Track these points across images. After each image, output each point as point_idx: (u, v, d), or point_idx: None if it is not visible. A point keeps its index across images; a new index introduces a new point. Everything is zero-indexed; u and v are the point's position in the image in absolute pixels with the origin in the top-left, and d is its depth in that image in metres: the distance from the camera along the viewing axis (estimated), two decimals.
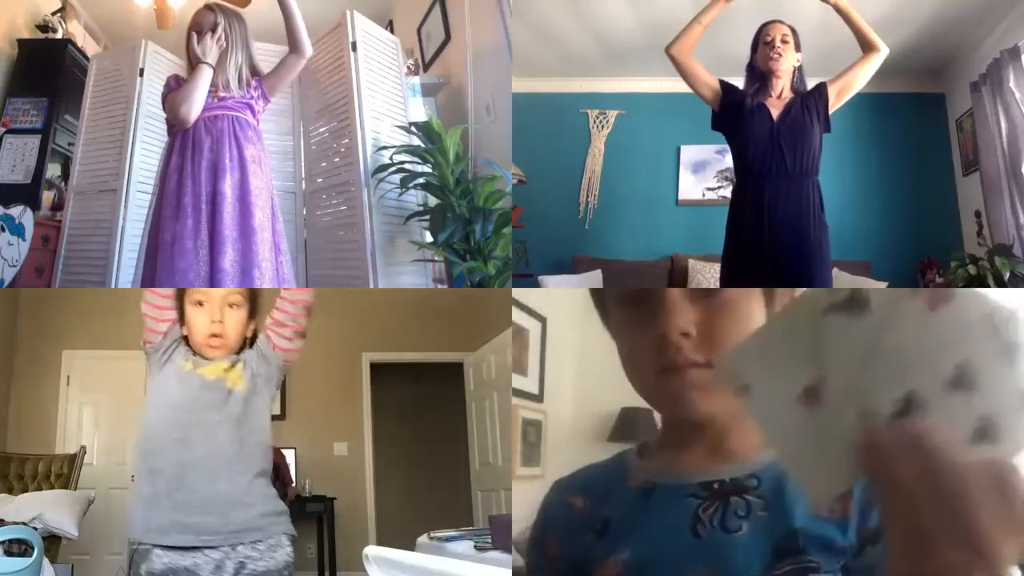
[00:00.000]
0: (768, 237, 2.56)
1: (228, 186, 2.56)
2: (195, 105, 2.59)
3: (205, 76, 2.62)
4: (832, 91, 2.63)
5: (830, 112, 2.62)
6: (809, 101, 2.62)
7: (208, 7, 2.72)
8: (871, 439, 0.57)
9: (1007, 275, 3.88)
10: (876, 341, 0.59)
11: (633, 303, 0.91)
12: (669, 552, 0.84)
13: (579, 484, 0.99)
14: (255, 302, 1.74)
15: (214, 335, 1.65)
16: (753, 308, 0.91)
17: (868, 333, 0.59)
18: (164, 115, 2.77)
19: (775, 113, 2.62)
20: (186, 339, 1.68)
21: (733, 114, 2.65)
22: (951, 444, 0.55)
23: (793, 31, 2.66)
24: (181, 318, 1.68)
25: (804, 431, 0.61)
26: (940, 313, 0.58)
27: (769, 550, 0.80)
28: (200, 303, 1.66)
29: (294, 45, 2.74)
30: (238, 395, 1.61)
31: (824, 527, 0.80)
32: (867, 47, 2.60)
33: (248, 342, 1.72)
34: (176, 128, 2.67)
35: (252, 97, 2.73)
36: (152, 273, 2.57)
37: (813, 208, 2.58)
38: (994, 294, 0.58)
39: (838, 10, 2.60)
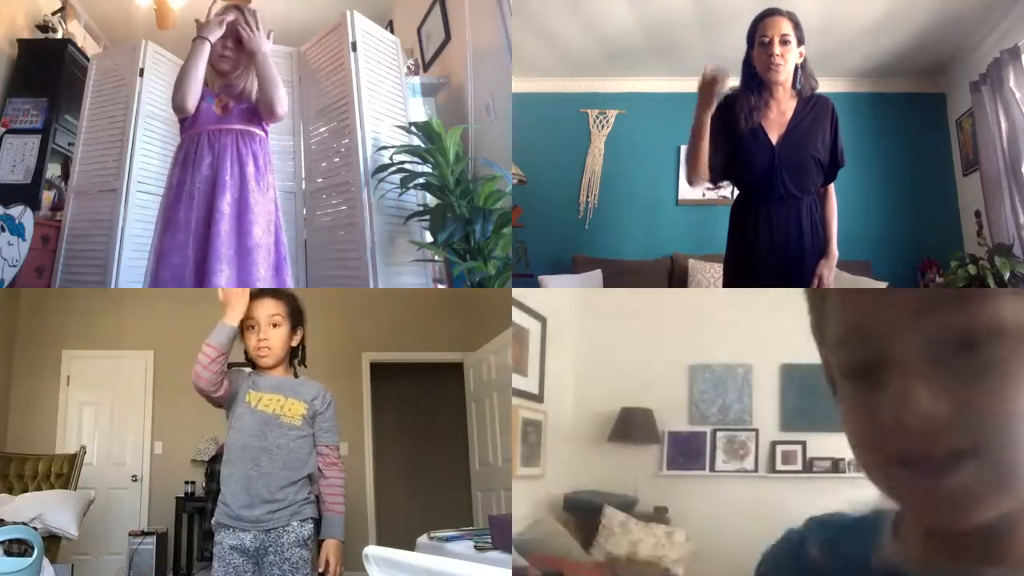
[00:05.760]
0: (769, 252, 2.55)
1: (227, 203, 2.52)
2: (189, 92, 2.52)
3: (199, 55, 2.53)
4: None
5: None
6: (815, 126, 2.51)
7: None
8: None
9: (1007, 275, 3.88)
10: None
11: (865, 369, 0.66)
12: None
13: (819, 535, 0.80)
14: (296, 317, 2.16)
15: (261, 347, 2.12)
16: None
17: None
18: (167, 115, 2.75)
19: (774, 136, 2.51)
20: (247, 353, 2.15)
21: (729, 136, 2.54)
22: None
23: (795, 24, 2.48)
24: (242, 335, 2.12)
25: None
26: None
27: None
28: (252, 326, 2.12)
29: (268, 112, 2.63)
30: (293, 433, 2.12)
31: None
32: None
33: (296, 351, 2.19)
34: (181, 117, 2.63)
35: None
36: (154, 279, 2.57)
37: (813, 223, 2.58)
38: None
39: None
